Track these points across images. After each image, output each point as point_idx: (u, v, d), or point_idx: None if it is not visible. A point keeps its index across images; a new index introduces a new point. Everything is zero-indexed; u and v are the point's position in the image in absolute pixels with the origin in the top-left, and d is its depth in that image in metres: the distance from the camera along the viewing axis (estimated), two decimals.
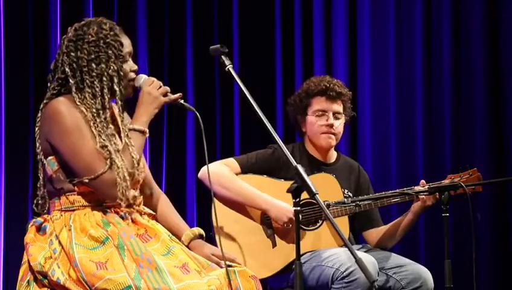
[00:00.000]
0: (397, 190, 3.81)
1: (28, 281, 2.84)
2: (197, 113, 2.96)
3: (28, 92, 4.97)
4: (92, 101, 2.88)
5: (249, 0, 5.47)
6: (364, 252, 3.85)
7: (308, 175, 2.73)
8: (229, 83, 5.30)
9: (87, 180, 2.83)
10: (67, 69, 2.91)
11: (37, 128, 2.94)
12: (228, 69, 2.97)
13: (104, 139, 2.85)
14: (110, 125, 2.90)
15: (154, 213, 3.08)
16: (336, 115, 3.98)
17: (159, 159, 5.23)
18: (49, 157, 2.91)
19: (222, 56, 3.00)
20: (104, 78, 2.90)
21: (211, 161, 3.88)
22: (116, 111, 3.01)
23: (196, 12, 5.39)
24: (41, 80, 4.94)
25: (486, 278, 5.09)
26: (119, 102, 2.95)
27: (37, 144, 2.94)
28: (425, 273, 3.82)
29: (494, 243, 5.15)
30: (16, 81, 4.97)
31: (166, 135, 5.28)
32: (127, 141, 2.92)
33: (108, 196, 2.86)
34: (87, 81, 2.89)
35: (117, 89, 2.91)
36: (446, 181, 3.77)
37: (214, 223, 3.77)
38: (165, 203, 3.18)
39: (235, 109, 5.40)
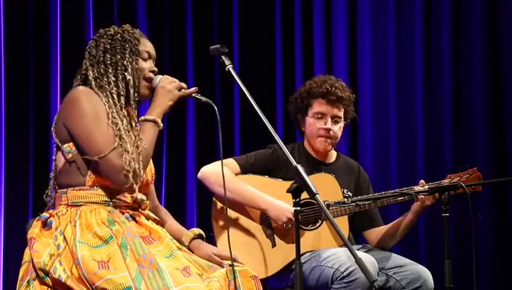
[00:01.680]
0: (397, 190, 3.81)
1: (28, 281, 2.84)
2: (215, 106, 2.98)
3: (28, 92, 4.98)
4: (108, 87, 2.95)
5: (249, 0, 5.47)
6: (365, 252, 3.85)
7: (307, 175, 2.73)
8: (229, 83, 5.30)
9: (97, 159, 2.85)
10: (87, 63, 3.02)
11: (56, 116, 3.00)
12: (228, 69, 2.97)
13: (115, 117, 2.90)
14: (123, 111, 2.95)
15: (158, 219, 3.09)
16: (335, 119, 3.96)
17: (159, 159, 5.23)
18: (65, 145, 2.94)
19: (222, 56, 3.00)
20: (119, 68, 2.98)
21: (211, 161, 3.89)
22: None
23: (196, 12, 5.40)
24: (41, 79, 4.98)
25: (486, 278, 5.09)
26: (134, 95, 2.99)
27: (53, 131, 2.98)
28: (425, 273, 3.82)
29: (494, 243, 5.16)
30: (15, 81, 4.97)
31: (166, 135, 5.28)
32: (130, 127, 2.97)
33: (116, 173, 2.85)
34: (102, 70, 2.98)
35: (130, 78, 2.98)
36: (446, 181, 3.77)
37: (216, 223, 3.79)
38: (167, 216, 3.23)
39: (235, 109, 5.40)
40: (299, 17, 5.49)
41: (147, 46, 3.08)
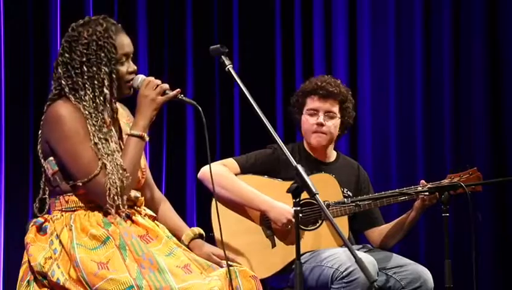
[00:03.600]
0: (397, 190, 3.81)
1: (28, 281, 2.84)
2: (199, 107, 2.93)
3: (28, 92, 4.98)
4: (85, 103, 2.88)
5: (249, 0, 5.47)
6: (365, 252, 3.85)
7: (307, 175, 2.73)
8: (229, 83, 5.30)
9: (80, 183, 2.83)
10: (59, 70, 2.92)
11: (39, 135, 2.95)
12: (228, 69, 2.96)
13: (96, 142, 2.85)
14: (104, 129, 2.89)
15: (155, 215, 3.07)
16: (328, 114, 3.96)
17: (159, 159, 5.23)
18: (50, 158, 2.92)
19: (222, 56, 2.99)
20: (96, 81, 2.89)
21: (211, 161, 3.89)
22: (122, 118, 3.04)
23: (196, 12, 5.39)
24: (42, 80, 4.98)
25: (486, 278, 5.09)
26: (111, 105, 2.93)
27: (38, 146, 2.95)
28: (425, 274, 3.82)
29: (494, 243, 5.15)
30: (16, 81, 4.98)
31: (166, 135, 5.28)
32: (115, 147, 2.90)
33: (100, 200, 2.84)
34: (80, 83, 2.89)
35: (107, 92, 2.89)
36: (446, 181, 3.77)
37: (216, 223, 3.78)
38: (166, 206, 3.20)
39: (235, 109, 5.40)
40: (299, 17, 5.48)
41: (124, 46, 2.94)
